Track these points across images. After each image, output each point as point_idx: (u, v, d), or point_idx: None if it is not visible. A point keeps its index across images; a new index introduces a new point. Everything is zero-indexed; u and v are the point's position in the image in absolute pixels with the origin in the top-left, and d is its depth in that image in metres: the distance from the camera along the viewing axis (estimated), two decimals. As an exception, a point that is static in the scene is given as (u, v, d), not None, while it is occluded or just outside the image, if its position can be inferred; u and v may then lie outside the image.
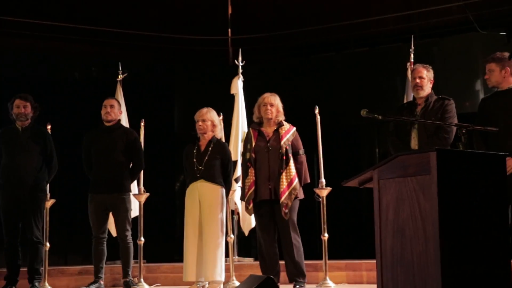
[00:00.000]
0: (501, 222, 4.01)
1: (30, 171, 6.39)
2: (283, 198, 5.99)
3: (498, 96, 5.61)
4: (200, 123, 6.35)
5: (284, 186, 6.00)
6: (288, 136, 6.15)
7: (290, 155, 6.09)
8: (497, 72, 5.48)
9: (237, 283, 6.23)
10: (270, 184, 6.06)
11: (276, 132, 6.18)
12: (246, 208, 6.20)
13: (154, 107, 9.44)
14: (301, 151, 6.21)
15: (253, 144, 6.15)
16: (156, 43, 10.01)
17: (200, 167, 6.27)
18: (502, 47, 5.23)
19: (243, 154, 6.33)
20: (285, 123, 6.22)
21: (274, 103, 6.20)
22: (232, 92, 7.81)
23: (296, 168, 6.10)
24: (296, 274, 6.06)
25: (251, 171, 6.12)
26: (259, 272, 6.15)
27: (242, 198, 6.33)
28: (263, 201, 6.09)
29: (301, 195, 6.15)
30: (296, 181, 6.05)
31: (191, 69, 10.14)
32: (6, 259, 6.40)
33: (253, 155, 6.13)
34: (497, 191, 3.99)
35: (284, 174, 6.03)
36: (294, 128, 6.24)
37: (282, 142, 6.10)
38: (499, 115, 5.44)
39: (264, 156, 6.11)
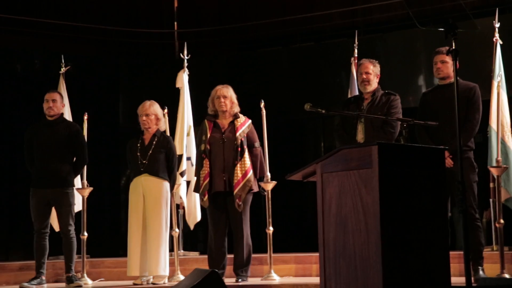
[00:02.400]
0: (441, 214, 4.09)
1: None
2: (237, 190, 6.02)
3: (438, 90, 5.72)
4: (144, 117, 6.31)
5: (239, 178, 6.03)
6: (243, 128, 6.17)
7: (245, 147, 6.12)
8: (450, 64, 5.58)
9: (182, 277, 6.22)
10: (224, 176, 6.08)
11: (232, 124, 6.19)
12: (201, 200, 6.20)
13: (98, 100, 9.33)
14: (257, 143, 6.24)
15: (208, 135, 6.15)
16: (101, 35, 9.88)
17: (144, 161, 6.24)
18: (443, 43, 5.31)
19: (198, 146, 6.34)
20: (240, 115, 6.25)
21: (227, 95, 6.20)
22: (177, 85, 7.77)
23: (251, 161, 6.14)
24: (242, 268, 6.10)
25: (206, 163, 6.12)
26: (204, 266, 6.16)
27: (196, 190, 6.32)
28: (218, 193, 6.09)
29: (256, 188, 6.18)
30: (250, 173, 6.08)
31: (136, 63, 10.05)
32: None
33: (208, 147, 6.13)
34: (436, 183, 4.08)
35: (238, 165, 6.05)
36: (250, 121, 6.27)
37: (237, 134, 6.12)
38: (439, 109, 5.55)
39: (219, 147, 6.12)
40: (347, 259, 4.03)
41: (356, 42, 7.55)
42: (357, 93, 6.30)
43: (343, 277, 4.05)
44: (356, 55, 7.48)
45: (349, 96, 7.24)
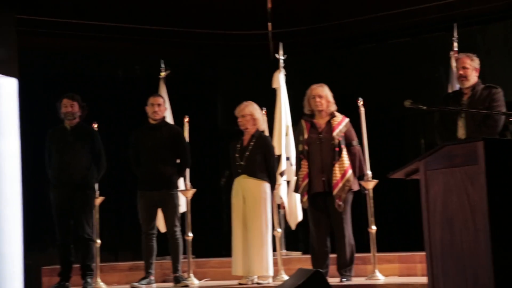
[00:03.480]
0: (553, 212, 3.96)
1: (80, 169, 6.52)
2: (336, 190, 6.00)
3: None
4: (240, 118, 6.40)
5: (338, 178, 6.01)
6: (340, 127, 6.15)
7: (343, 146, 6.09)
8: None
9: (285, 277, 6.27)
10: (323, 176, 6.07)
11: (329, 123, 6.18)
12: (301, 201, 6.22)
13: (197, 103, 9.49)
14: (355, 142, 6.20)
15: (306, 136, 6.16)
16: (197, 39, 10.06)
17: (242, 163, 6.31)
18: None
19: (296, 146, 6.36)
20: (337, 114, 6.21)
21: (322, 94, 6.19)
22: (274, 86, 7.83)
23: (350, 160, 6.10)
24: (345, 267, 6.08)
25: (304, 163, 6.13)
26: (307, 266, 6.17)
27: (296, 191, 6.35)
28: (317, 194, 6.09)
29: (356, 187, 6.14)
30: (349, 172, 6.05)
31: (233, 64, 10.17)
32: (59, 256, 6.56)
33: (306, 147, 6.14)
34: (547, 180, 3.95)
35: (337, 165, 6.03)
36: (347, 119, 6.23)
37: (334, 134, 6.10)
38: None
39: (317, 148, 6.11)
40: (455, 258, 3.96)
41: (455, 36, 7.38)
42: (457, 88, 6.16)
43: (451, 277, 3.99)
44: (456, 49, 7.31)
45: (449, 91, 7.10)
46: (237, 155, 6.35)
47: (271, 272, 6.25)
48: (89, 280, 6.51)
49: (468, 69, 5.70)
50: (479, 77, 5.77)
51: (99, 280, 6.72)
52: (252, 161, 6.30)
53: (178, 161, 6.66)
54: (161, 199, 6.48)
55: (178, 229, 6.50)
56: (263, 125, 6.58)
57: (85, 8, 9.39)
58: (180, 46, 10.10)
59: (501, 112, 5.30)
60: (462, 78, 5.71)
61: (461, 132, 5.62)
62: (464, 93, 5.74)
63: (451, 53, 7.37)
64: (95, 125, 6.89)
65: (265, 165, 6.36)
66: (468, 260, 3.88)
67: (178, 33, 9.90)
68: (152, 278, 6.53)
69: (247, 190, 6.29)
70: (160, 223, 6.93)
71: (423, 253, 4.24)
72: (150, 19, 9.76)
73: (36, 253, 7.95)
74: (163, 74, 8.19)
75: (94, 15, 9.34)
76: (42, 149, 6.69)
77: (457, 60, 5.90)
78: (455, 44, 7.35)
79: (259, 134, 6.44)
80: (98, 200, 6.77)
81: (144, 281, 6.46)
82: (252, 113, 6.39)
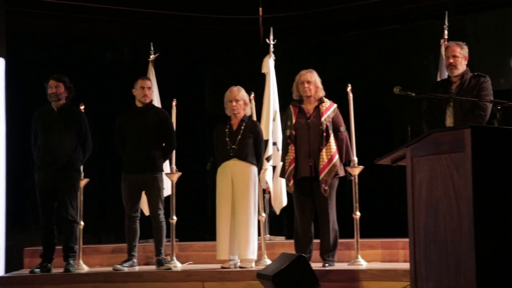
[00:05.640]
0: (537, 200, 3.95)
1: (65, 151, 6.47)
2: (323, 175, 6.00)
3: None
4: (234, 103, 6.36)
5: (324, 163, 6.02)
6: (328, 113, 6.14)
7: (331, 131, 6.09)
8: None
9: (268, 261, 6.26)
10: (310, 161, 6.08)
11: (317, 109, 6.18)
12: (287, 185, 6.23)
13: (185, 86, 9.46)
14: (342, 128, 6.20)
15: (294, 121, 6.16)
16: (187, 23, 10.00)
17: (234, 146, 6.30)
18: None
19: (283, 131, 6.35)
20: (326, 99, 6.21)
21: (311, 80, 6.18)
22: (263, 71, 7.79)
23: (337, 145, 6.11)
24: (328, 253, 6.09)
25: (291, 148, 6.13)
26: (291, 251, 6.18)
27: (282, 175, 6.35)
28: (303, 178, 6.10)
29: (342, 173, 6.15)
30: (336, 157, 6.05)
31: (222, 49, 10.13)
32: (42, 237, 6.50)
33: (293, 132, 6.14)
34: (533, 168, 3.94)
35: (324, 150, 6.04)
36: (335, 105, 6.23)
37: (322, 119, 6.09)
38: (535, 91, 5.37)
39: (305, 133, 6.11)
40: (438, 244, 3.96)
41: (446, 24, 7.35)
42: (446, 76, 6.14)
43: (433, 263, 3.98)
44: (446, 37, 7.28)
45: (438, 79, 7.08)
46: (227, 139, 6.33)
47: (255, 256, 6.25)
48: (71, 261, 6.47)
49: (458, 58, 5.69)
50: (468, 65, 5.75)
51: (81, 262, 6.69)
52: (244, 144, 6.31)
53: (164, 144, 6.61)
54: (145, 182, 6.45)
55: (161, 212, 6.48)
56: (250, 111, 6.57)
57: (74, -11, 9.30)
58: (170, 29, 10.05)
59: (490, 100, 5.28)
60: (452, 66, 5.69)
61: (449, 121, 5.61)
62: (453, 82, 5.73)
63: (441, 41, 7.34)
64: (82, 107, 6.82)
65: (254, 149, 6.35)
66: (451, 247, 3.88)
67: (168, 16, 9.83)
68: (135, 260, 6.52)
69: (236, 173, 6.28)
70: (144, 206, 6.91)
71: (406, 240, 4.24)
72: (140, 2, 9.69)
73: (18, 234, 7.93)
74: (152, 57, 8.12)
75: (82, -4, 9.26)
76: (29, 130, 6.63)
77: (446, 48, 5.89)
78: (446, 32, 7.32)
79: (248, 119, 6.45)
80: (83, 182, 6.72)
81: (126, 264, 6.44)
82: (245, 98, 6.40)
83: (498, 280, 3.76)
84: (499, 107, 4.34)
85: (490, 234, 3.78)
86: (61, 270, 6.44)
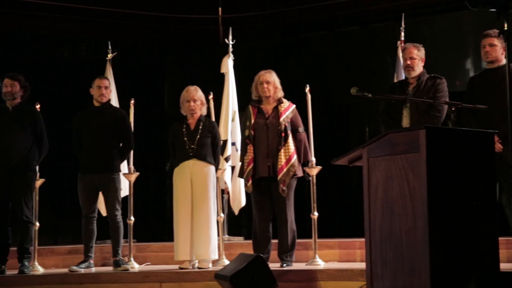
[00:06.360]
0: (489, 199, 4.03)
1: (20, 150, 6.37)
2: (281, 175, 6.02)
3: (487, 74, 5.61)
4: (192, 103, 6.34)
5: (283, 163, 6.03)
6: (287, 113, 6.16)
7: (289, 132, 6.11)
8: (498, 47, 5.48)
9: (227, 262, 6.25)
10: (268, 161, 6.08)
11: (276, 109, 6.19)
12: (245, 185, 6.22)
13: (144, 86, 9.40)
14: (301, 128, 6.23)
15: (252, 121, 6.16)
16: (146, 22, 9.94)
17: (193, 146, 6.28)
18: (492, 25, 5.21)
19: (242, 131, 6.35)
20: (284, 100, 6.23)
21: (270, 81, 6.19)
22: (222, 71, 7.79)
23: (295, 146, 6.12)
24: (286, 253, 6.10)
25: (250, 148, 6.14)
26: (249, 251, 6.17)
27: (240, 175, 6.35)
28: (262, 178, 6.11)
29: (300, 173, 6.17)
30: (294, 158, 6.07)
31: (181, 48, 10.09)
32: (-4, 238, 6.39)
33: (252, 132, 6.14)
34: (485, 168, 4.01)
35: (282, 151, 6.05)
36: (294, 106, 6.25)
37: (281, 119, 6.11)
38: (488, 93, 5.46)
39: (263, 133, 6.12)
40: (394, 244, 4.00)
41: (403, 26, 7.44)
42: (403, 77, 6.22)
43: (389, 262, 4.02)
44: (402, 39, 7.37)
45: (395, 80, 7.15)
46: (185, 138, 6.30)
47: (216, 255, 6.26)
48: (26, 263, 6.37)
49: (415, 59, 5.76)
50: (425, 67, 5.82)
51: (36, 263, 6.58)
52: (203, 144, 6.31)
53: (121, 144, 6.55)
54: (102, 183, 6.39)
55: (119, 213, 6.42)
56: (206, 111, 6.56)
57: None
58: (129, 28, 9.97)
59: (444, 102, 5.35)
60: (409, 68, 5.76)
61: (405, 121, 5.68)
62: (409, 83, 5.80)
63: (398, 42, 7.43)
64: (38, 106, 6.73)
65: (212, 149, 6.34)
66: (406, 247, 3.92)
67: (127, 15, 9.76)
68: (91, 261, 6.45)
69: (195, 173, 6.26)
70: (101, 207, 6.84)
71: (363, 239, 4.27)
72: (98, 0, 9.60)
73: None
74: (109, 56, 8.04)
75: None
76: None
77: (403, 50, 5.95)
78: (402, 34, 7.41)
79: (205, 118, 6.44)
80: (39, 182, 6.63)
81: (83, 265, 6.37)
82: (202, 98, 6.39)
83: (452, 280, 3.81)
84: (453, 109, 4.41)
85: (444, 234, 3.84)
86: (16, 272, 6.34)
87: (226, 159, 7.29)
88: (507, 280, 3.35)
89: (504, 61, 5.52)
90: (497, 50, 5.51)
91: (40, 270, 6.57)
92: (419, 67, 5.77)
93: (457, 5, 8.21)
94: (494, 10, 4.00)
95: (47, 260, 6.91)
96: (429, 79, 5.75)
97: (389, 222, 4.04)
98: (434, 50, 7.82)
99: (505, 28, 4.06)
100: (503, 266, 4.52)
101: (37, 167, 6.57)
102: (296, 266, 6.16)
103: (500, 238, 4.11)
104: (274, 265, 5.96)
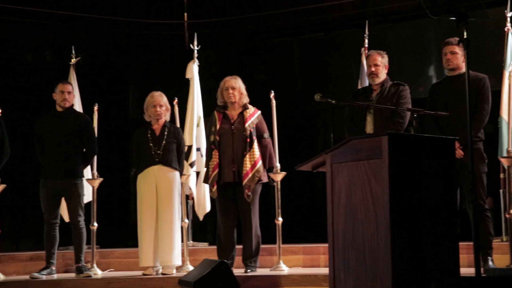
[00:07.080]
0: (450, 205, 4.07)
1: (-19, 155, 6.27)
2: (246, 181, 6.02)
3: (448, 81, 5.68)
4: (157, 108, 6.32)
5: (248, 169, 6.04)
6: (252, 119, 6.18)
7: (255, 137, 6.13)
8: (459, 55, 5.55)
9: (191, 268, 6.23)
10: (234, 167, 6.09)
11: (241, 115, 6.20)
12: (210, 191, 6.21)
13: (108, 91, 9.32)
14: (266, 134, 6.24)
15: (218, 126, 6.16)
16: (111, 26, 9.88)
17: (159, 152, 6.25)
18: (454, 33, 5.28)
19: (207, 137, 6.35)
20: (250, 106, 6.25)
21: (235, 86, 6.20)
22: (187, 76, 7.77)
23: (261, 151, 6.13)
24: (250, 258, 6.10)
25: (215, 154, 6.13)
26: (213, 257, 6.17)
27: (205, 181, 6.33)
28: (227, 184, 6.10)
29: (265, 179, 6.18)
30: (259, 163, 6.08)
31: (146, 53, 10.05)
32: (-45, 245, 6.29)
33: (217, 138, 6.14)
34: (446, 174, 4.06)
35: (247, 156, 6.06)
36: (259, 112, 6.27)
37: (246, 125, 6.12)
38: (449, 100, 5.53)
39: (229, 138, 6.12)
40: (356, 250, 4.02)
41: (367, 33, 7.51)
42: (367, 84, 6.27)
43: (352, 268, 4.04)
44: (366, 46, 7.44)
45: (359, 87, 7.21)
46: (151, 144, 6.27)
47: (179, 261, 6.23)
48: (-14, 270, 6.28)
49: (379, 66, 5.80)
50: (388, 74, 5.88)
51: (-3, 270, 6.50)
52: (169, 150, 6.29)
53: (84, 150, 6.49)
54: (64, 188, 6.32)
55: (81, 219, 6.35)
56: (169, 117, 6.54)
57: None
58: (93, 33, 9.90)
59: (406, 108, 5.41)
60: (373, 75, 5.81)
61: (369, 127, 5.71)
62: (373, 90, 5.85)
63: (362, 49, 7.49)
64: (-1, 111, 6.64)
65: (177, 155, 6.32)
66: (368, 252, 3.95)
67: (90, 20, 9.70)
68: (53, 268, 6.36)
69: (161, 179, 6.24)
70: (64, 213, 6.76)
71: (327, 245, 4.28)
72: (62, 4, 9.52)
73: None
74: (73, 60, 7.96)
75: (3, -2, 9.03)
76: None
77: (367, 57, 6.00)
78: (366, 41, 7.47)
79: (170, 124, 6.42)
80: (0, 187, 6.53)
81: (44, 272, 6.28)
82: (167, 104, 6.38)
83: (413, 285, 3.84)
84: (415, 115, 4.46)
85: (406, 240, 3.87)
86: (-24, 279, 6.25)
87: (191, 165, 7.28)
88: (466, 285, 3.39)
89: (465, 68, 5.60)
90: (458, 57, 5.58)
91: (1, 277, 6.46)
92: (383, 74, 5.82)
93: (420, 13, 8.32)
94: (454, 18, 4.06)
95: (8, 267, 6.80)
96: (393, 86, 5.80)
97: (352, 228, 4.06)
98: (397, 57, 7.91)
99: (465, 36, 4.12)
100: (464, 270, 4.58)
101: (-2, 173, 6.48)
102: (260, 271, 6.16)
103: (461, 243, 4.16)
104: (238, 271, 5.95)
